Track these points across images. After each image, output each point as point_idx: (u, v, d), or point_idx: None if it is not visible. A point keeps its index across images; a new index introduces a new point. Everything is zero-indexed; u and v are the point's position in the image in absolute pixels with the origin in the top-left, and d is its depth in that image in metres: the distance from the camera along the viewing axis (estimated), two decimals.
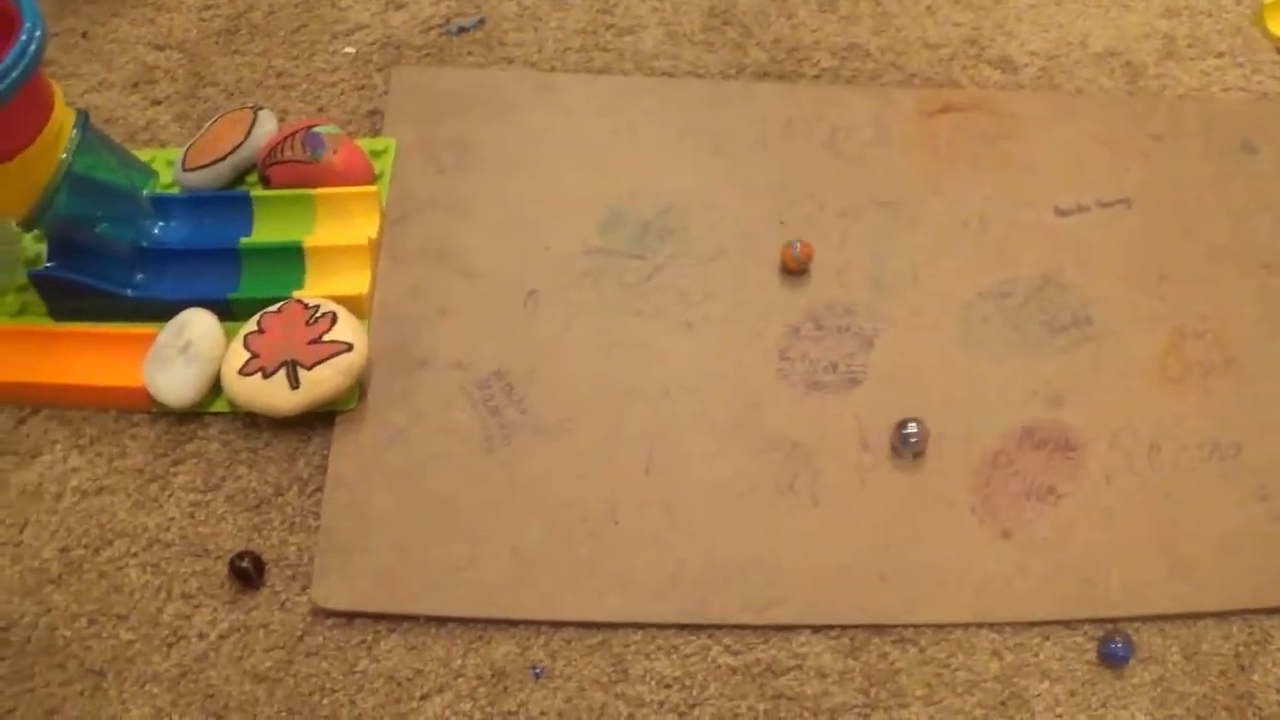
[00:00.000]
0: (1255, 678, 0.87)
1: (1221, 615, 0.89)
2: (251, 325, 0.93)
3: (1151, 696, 0.86)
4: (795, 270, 0.99)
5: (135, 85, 1.10)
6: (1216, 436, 0.94)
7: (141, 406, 0.94)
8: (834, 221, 1.02)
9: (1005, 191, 1.04)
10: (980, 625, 0.88)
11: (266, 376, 0.91)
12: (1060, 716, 0.85)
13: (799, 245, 0.98)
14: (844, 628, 0.87)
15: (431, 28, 1.13)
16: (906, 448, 0.93)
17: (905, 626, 0.87)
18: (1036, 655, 0.87)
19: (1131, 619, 0.88)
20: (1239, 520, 0.91)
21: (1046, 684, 0.86)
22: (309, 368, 0.90)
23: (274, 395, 0.91)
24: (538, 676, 0.85)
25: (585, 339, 0.96)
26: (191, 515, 0.91)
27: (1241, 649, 0.88)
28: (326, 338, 0.91)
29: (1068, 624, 0.88)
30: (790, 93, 1.09)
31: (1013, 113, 1.09)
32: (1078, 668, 0.87)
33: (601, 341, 0.96)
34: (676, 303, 0.98)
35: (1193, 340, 0.98)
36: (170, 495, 0.91)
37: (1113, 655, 0.87)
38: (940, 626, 0.87)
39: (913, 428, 0.92)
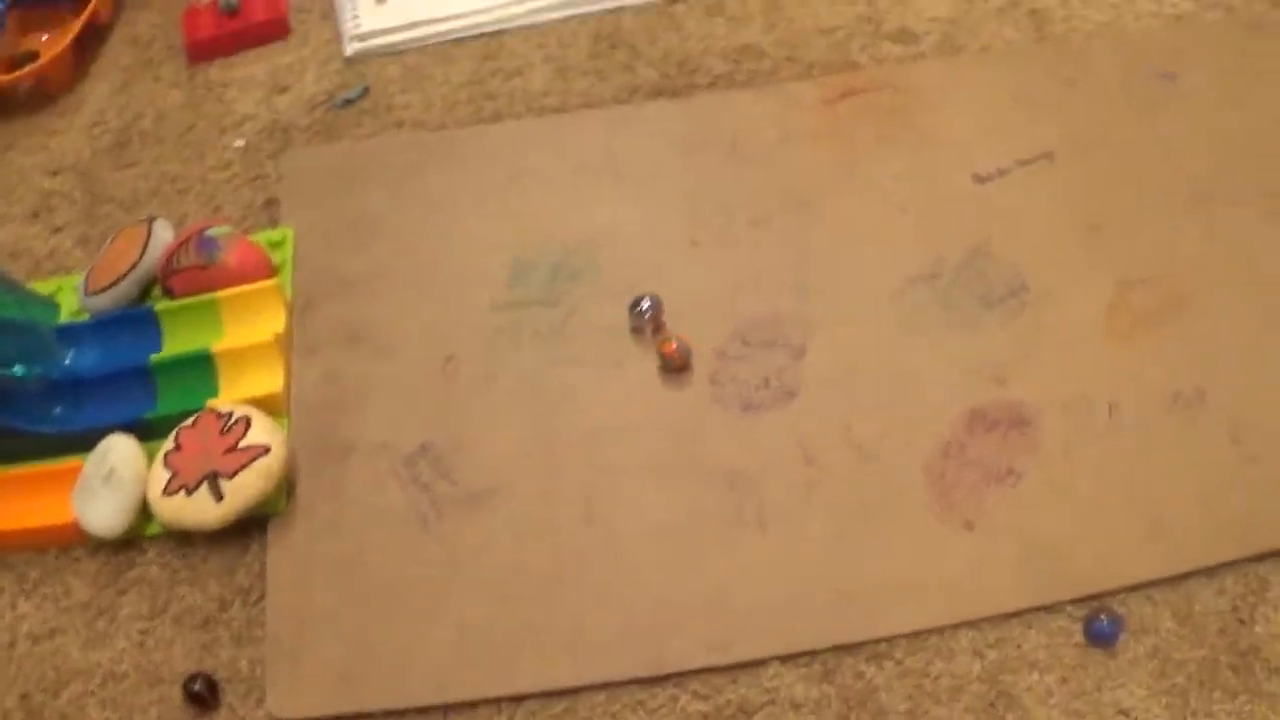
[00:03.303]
0: (1258, 629, 0.82)
1: (1211, 571, 0.84)
2: (169, 443, 0.91)
3: (1149, 669, 0.82)
4: (679, 366, 0.94)
5: (35, 215, 1.09)
6: (1177, 385, 0.90)
7: (78, 541, 0.92)
8: (746, 232, 0.99)
9: (920, 168, 1.01)
10: (956, 626, 0.83)
11: (190, 493, 0.88)
12: (1055, 707, 0.81)
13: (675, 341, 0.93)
14: (812, 653, 0.83)
15: (317, 105, 1.11)
16: (644, 323, 0.93)
17: (876, 641, 0.83)
18: (1020, 647, 0.83)
19: (1115, 592, 0.84)
20: (1213, 468, 0.87)
21: (1036, 675, 0.82)
22: (230, 477, 0.88)
23: (200, 510, 0.88)
24: None
25: (509, 398, 0.93)
26: (141, 644, 0.88)
27: (1239, 602, 0.83)
28: (243, 444, 0.89)
29: (1048, 609, 0.84)
30: (683, 107, 1.06)
31: (917, 85, 1.05)
32: (1066, 653, 0.82)
33: (525, 397, 0.93)
34: (596, 344, 0.95)
35: (1138, 289, 0.94)
36: (118, 627, 0.89)
37: (1100, 634, 0.82)
38: (914, 635, 0.83)
39: (646, 303, 0.93)
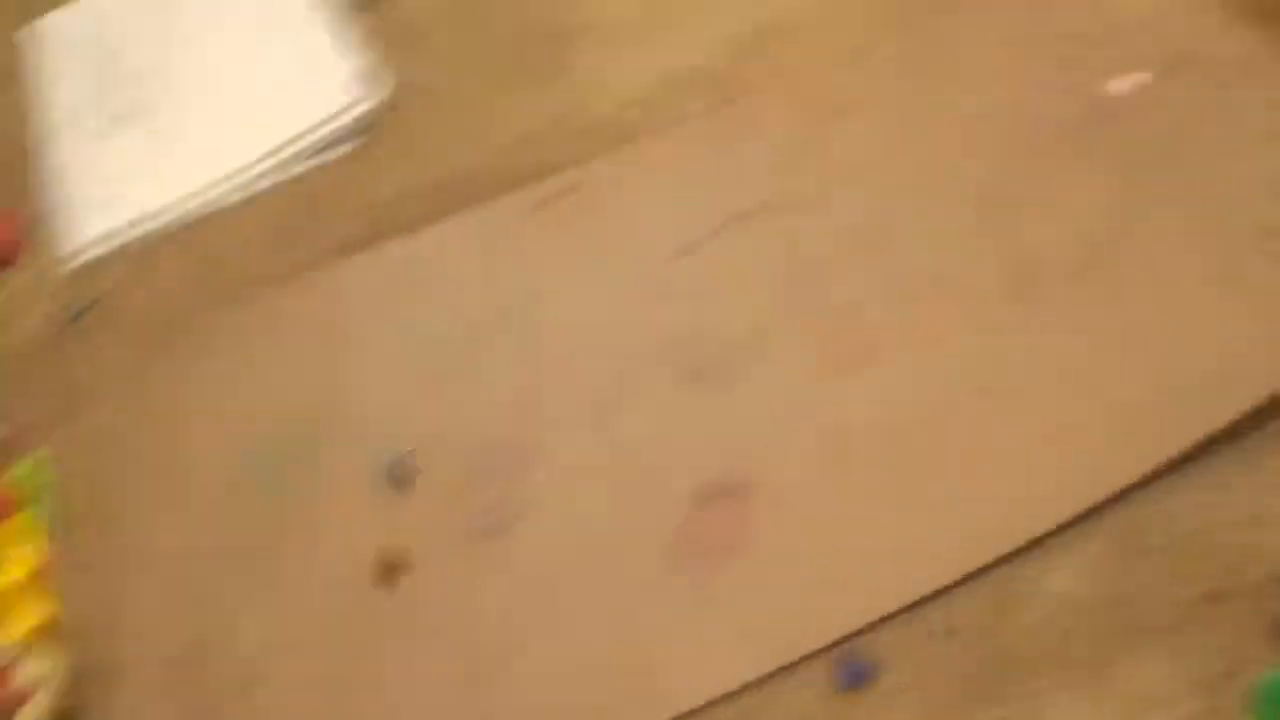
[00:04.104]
0: (1009, 633, 0.83)
1: (957, 586, 0.85)
2: None
3: (910, 699, 0.82)
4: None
5: None
6: (895, 415, 0.92)
7: None
8: (466, 361, 1.01)
9: (623, 256, 1.03)
10: (699, 709, 0.84)
11: None
12: None
13: None
14: None
15: (49, 326, 1.14)
16: (399, 479, 0.94)
17: None
18: (769, 713, 0.83)
19: (868, 629, 0.85)
20: (940, 487, 0.88)
21: None
22: None
23: None
24: None
25: (248, 589, 0.95)
26: None
27: (988, 611, 0.84)
28: (13, 685, 0.91)
29: (794, 667, 0.84)
30: (389, 253, 1.10)
31: (612, 177, 1.08)
32: (817, 709, 0.83)
33: (261, 588, 0.95)
34: (322, 521, 0.96)
35: (843, 325, 0.96)
36: None
37: (853, 677, 0.84)
38: None
39: (392, 459, 0.94)
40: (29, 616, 0.96)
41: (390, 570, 0.93)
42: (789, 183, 1.04)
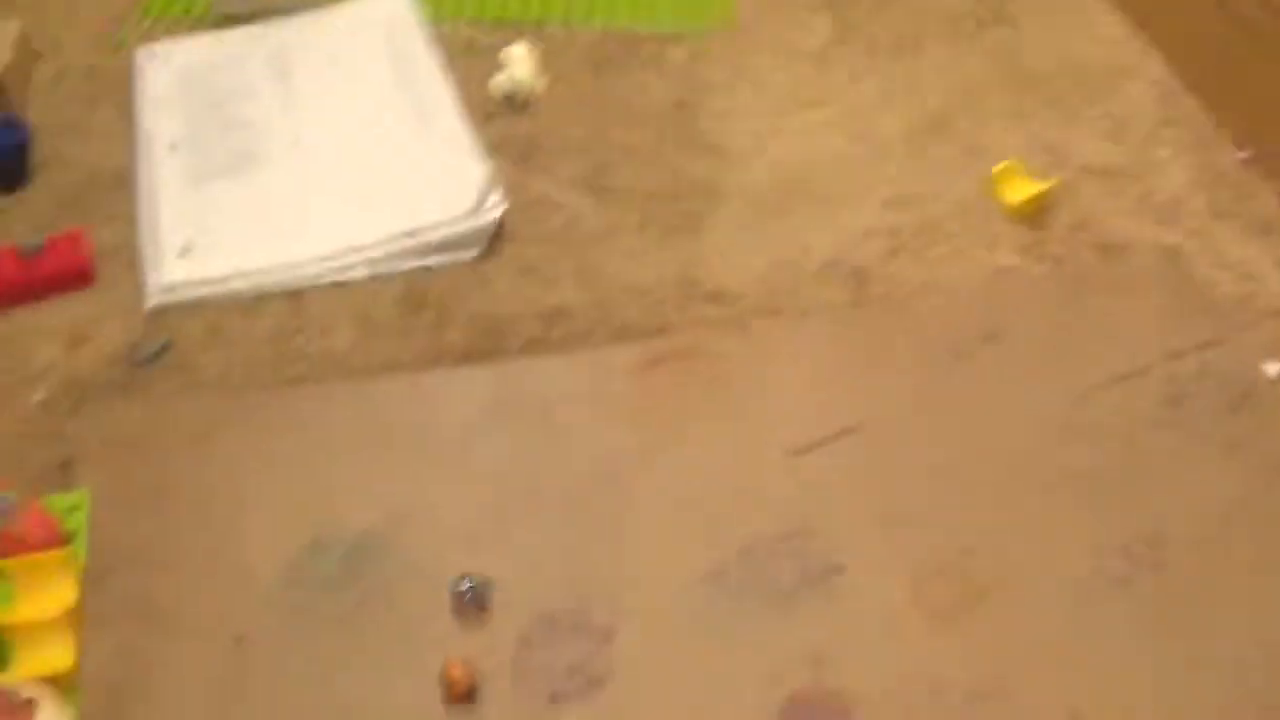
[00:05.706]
0: None
1: None
2: None
3: None
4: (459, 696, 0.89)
5: None
6: (976, 685, 0.89)
7: None
8: (557, 510, 0.98)
9: (733, 442, 1.02)
10: None
11: None
12: None
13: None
14: None
15: (118, 360, 1.08)
16: (467, 606, 0.92)
17: None
18: None
19: None
20: None
21: None
22: None
23: None
24: None
25: (295, 687, 0.90)
26: None
27: None
28: None
29: None
30: (493, 373, 1.07)
31: (731, 351, 1.07)
32: None
33: (314, 694, 0.90)
34: (387, 634, 0.92)
35: (942, 577, 0.94)
36: None
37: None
38: None
39: (466, 584, 0.92)
40: (54, 658, 0.90)
41: (463, 694, 0.88)
42: (927, 401, 1.04)
